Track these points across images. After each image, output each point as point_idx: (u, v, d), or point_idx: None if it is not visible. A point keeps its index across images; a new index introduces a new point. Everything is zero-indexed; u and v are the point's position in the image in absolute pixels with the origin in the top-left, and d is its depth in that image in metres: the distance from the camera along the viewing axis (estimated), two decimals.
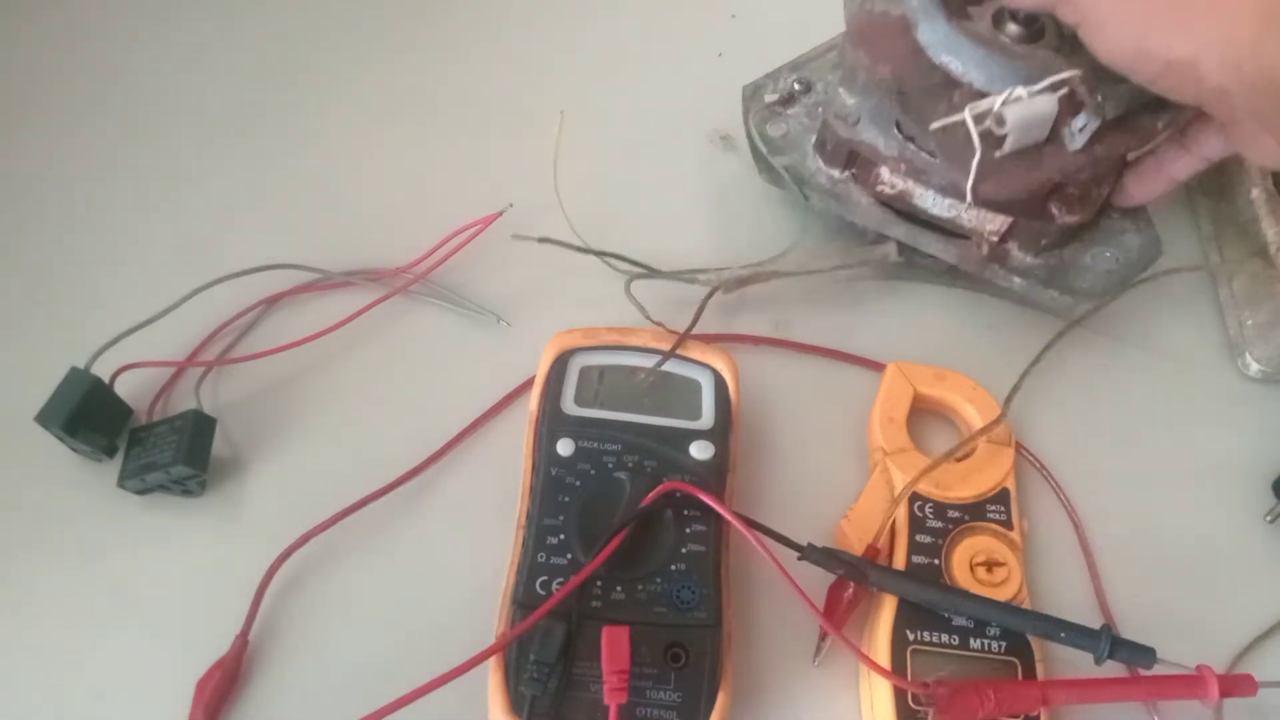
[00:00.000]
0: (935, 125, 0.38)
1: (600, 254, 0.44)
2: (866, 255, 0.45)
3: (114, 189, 0.49)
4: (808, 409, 0.44)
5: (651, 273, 0.44)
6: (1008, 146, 0.38)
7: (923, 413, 0.43)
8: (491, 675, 0.33)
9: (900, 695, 0.35)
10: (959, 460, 0.40)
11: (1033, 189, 0.39)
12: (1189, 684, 0.34)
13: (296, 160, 0.51)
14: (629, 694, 0.32)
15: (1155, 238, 0.44)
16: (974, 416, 0.42)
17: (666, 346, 0.40)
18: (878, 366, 0.44)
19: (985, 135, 0.37)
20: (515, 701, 0.33)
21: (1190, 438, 0.45)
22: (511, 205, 0.46)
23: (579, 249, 0.44)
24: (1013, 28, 0.40)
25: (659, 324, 0.42)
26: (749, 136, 0.46)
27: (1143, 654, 0.35)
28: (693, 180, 0.50)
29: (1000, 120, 0.37)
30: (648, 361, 0.40)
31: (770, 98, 0.47)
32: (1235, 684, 0.34)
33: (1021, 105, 0.37)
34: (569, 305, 0.44)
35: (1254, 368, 0.46)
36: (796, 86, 0.47)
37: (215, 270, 0.43)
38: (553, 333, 0.41)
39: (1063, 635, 0.35)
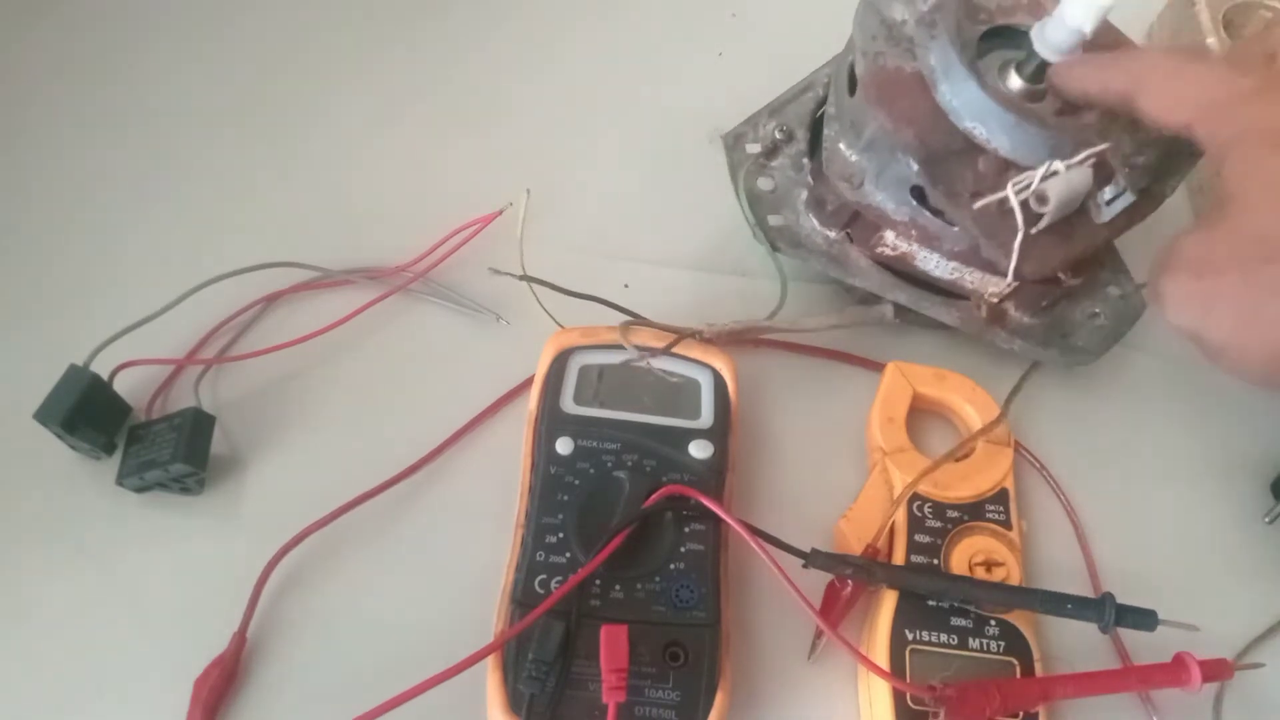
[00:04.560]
0: (979, 205, 0.36)
1: (586, 298, 0.42)
2: (862, 316, 0.44)
3: (113, 186, 0.49)
4: (807, 408, 0.44)
5: (640, 320, 0.41)
6: (1044, 223, 0.36)
7: (922, 413, 0.43)
8: (490, 673, 0.33)
9: (899, 693, 0.35)
10: (958, 460, 0.40)
11: (1066, 263, 0.38)
12: (1173, 671, 0.35)
13: (296, 158, 0.51)
14: (627, 693, 0.32)
15: (1136, 291, 0.44)
16: (973, 417, 0.42)
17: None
18: (877, 366, 0.44)
19: (1024, 210, 0.36)
20: (514, 700, 0.33)
21: (1190, 438, 0.45)
22: (511, 204, 0.46)
23: (564, 291, 0.42)
24: (1017, 81, 0.38)
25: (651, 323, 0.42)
26: (737, 195, 0.44)
27: (1145, 617, 0.36)
28: (692, 181, 0.50)
29: (1042, 198, 0.35)
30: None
31: (753, 148, 0.45)
32: (1213, 669, 0.35)
33: (1060, 180, 0.35)
34: (568, 304, 0.43)
35: None
36: (778, 135, 0.45)
37: (215, 268, 0.43)
38: (552, 331, 0.41)
39: (1069, 607, 0.36)
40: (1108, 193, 0.37)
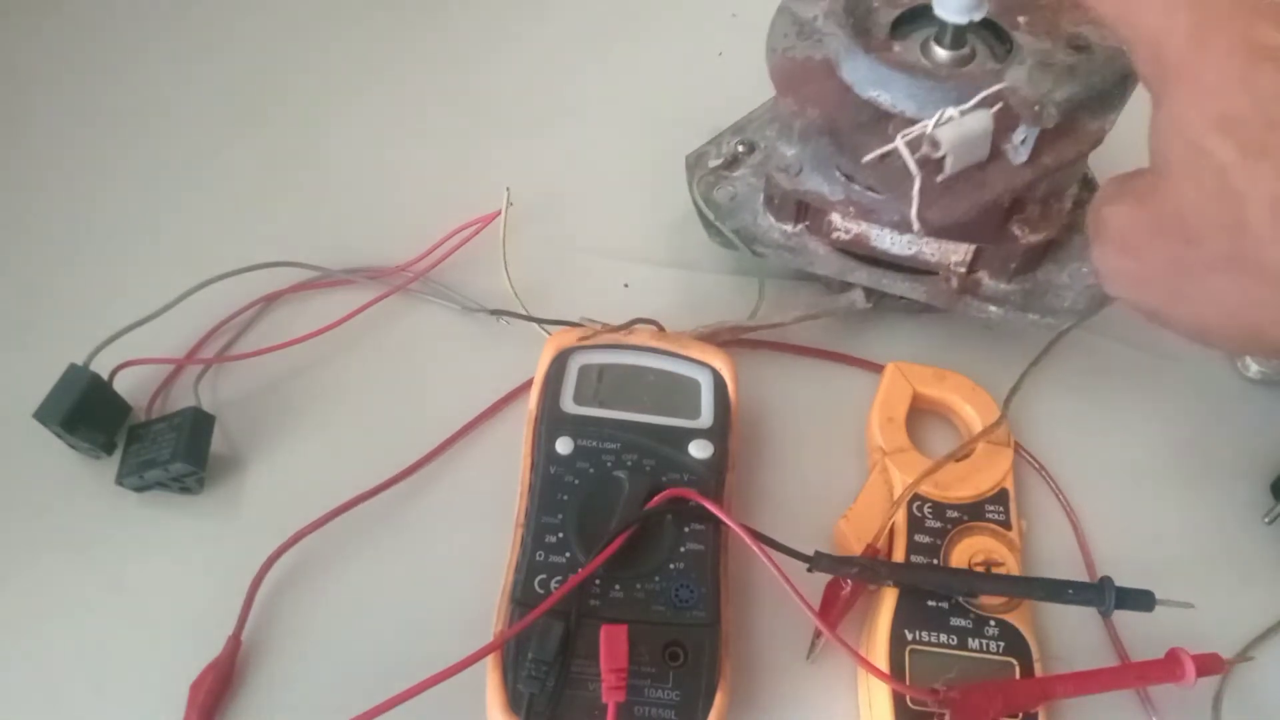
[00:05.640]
0: (867, 158, 0.37)
1: (557, 323, 0.42)
2: (833, 305, 0.44)
3: (114, 186, 0.49)
4: (807, 409, 0.44)
5: (594, 325, 0.42)
6: (948, 169, 0.36)
7: (922, 413, 0.43)
8: (490, 673, 0.33)
9: (899, 693, 0.34)
10: (958, 460, 0.40)
11: (984, 210, 0.38)
12: (1168, 667, 0.35)
13: (296, 158, 0.51)
14: (627, 693, 0.32)
15: None
16: (973, 417, 0.42)
17: (665, 345, 0.40)
18: (877, 367, 0.44)
19: (923, 161, 0.36)
20: (513, 700, 0.33)
21: (1189, 438, 0.45)
22: (510, 205, 0.46)
23: (528, 319, 0.44)
24: (941, 53, 0.39)
25: (654, 322, 0.42)
26: (695, 205, 0.46)
27: (1142, 598, 0.36)
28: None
29: (935, 143, 0.36)
30: (647, 360, 0.40)
31: (714, 163, 0.47)
32: (1206, 663, 0.35)
33: (954, 125, 0.35)
34: (568, 304, 0.44)
35: (1254, 369, 0.46)
36: (740, 149, 0.47)
37: (215, 267, 0.43)
38: (551, 331, 0.41)
39: (1070, 592, 0.36)
40: (1020, 133, 0.37)
